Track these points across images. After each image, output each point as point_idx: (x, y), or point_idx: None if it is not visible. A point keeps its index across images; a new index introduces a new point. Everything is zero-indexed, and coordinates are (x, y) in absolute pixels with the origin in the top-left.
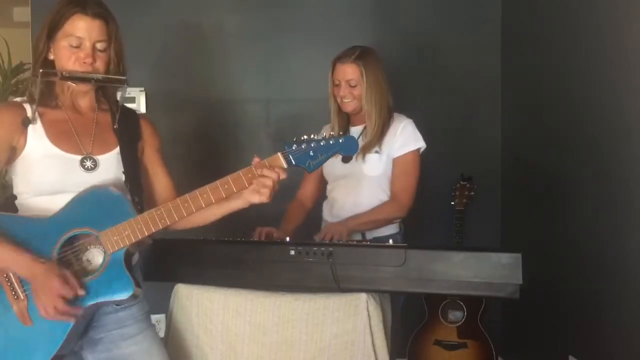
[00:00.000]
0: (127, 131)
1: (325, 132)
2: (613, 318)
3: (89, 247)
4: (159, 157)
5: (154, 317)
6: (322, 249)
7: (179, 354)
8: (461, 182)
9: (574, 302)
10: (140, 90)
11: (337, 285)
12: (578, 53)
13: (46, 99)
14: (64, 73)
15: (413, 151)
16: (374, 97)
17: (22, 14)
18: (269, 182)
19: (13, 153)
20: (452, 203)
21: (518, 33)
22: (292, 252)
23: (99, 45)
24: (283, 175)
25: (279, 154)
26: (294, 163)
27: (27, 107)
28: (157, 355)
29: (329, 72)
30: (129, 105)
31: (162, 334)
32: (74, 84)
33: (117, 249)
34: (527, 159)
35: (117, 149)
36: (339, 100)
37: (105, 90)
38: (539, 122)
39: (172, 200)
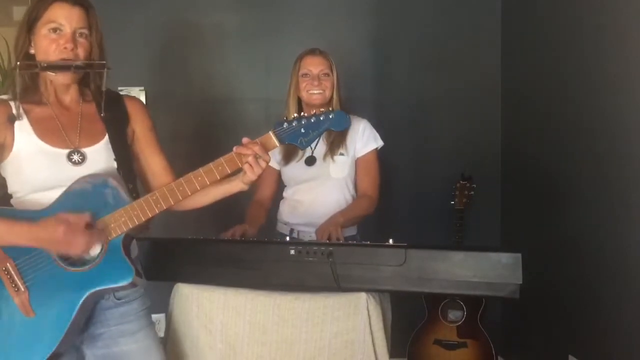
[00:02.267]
0: (114, 117)
1: None
2: (613, 318)
3: None
4: (151, 136)
5: (154, 317)
6: (322, 248)
7: (179, 354)
8: (461, 182)
9: (574, 301)
10: (140, 90)
11: (337, 284)
12: (578, 53)
13: (30, 95)
14: (42, 63)
15: (374, 150)
16: (339, 92)
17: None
18: (261, 160)
19: (2, 151)
20: (452, 202)
21: (518, 33)
22: (292, 252)
23: (79, 32)
24: (267, 158)
25: (271, 132)
26: (286, 141)
27: (12, 104)
28: (155, 356)
29: (294, 67)
30: None
31: (162, 334)
32: (54, 74)
33: (114, 236)
34: (527, 159)
35: (106, 138)
36: (305, 94)
37: (87, 80)
38: (539, 122)
39: (169, 180)
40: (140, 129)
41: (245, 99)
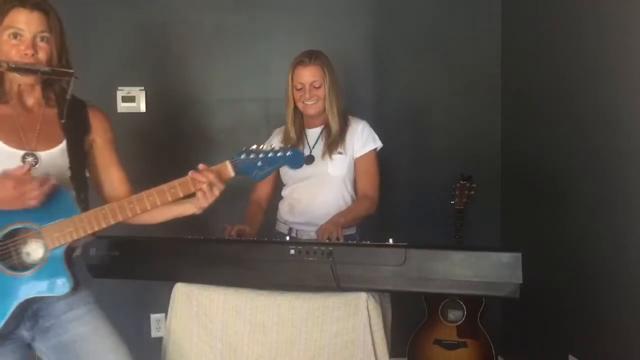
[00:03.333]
0: (74, 124)
1: (276, 135)
2: (613, 317)
3: (29, 241)
4: (110, 149)
5: (154, 317)
6: (322, 248)
7: (179, 353)
8: (461, 182)
9: (574, 301)
10: (140, 90)
11: (337, 284)
12: (578, 53)
13: None
14: (10, 64)
15: (373, 150)
16: (334, 97)
17: None
18: (215, 189)
19: None
20: (452, 202)
21: (518, 33)
22: (292, 252)
23: (39, 37)
24: (221, 187)
25: (227, 162)
26: (241, 172)
27: None
28: (106, 335)
29: (289, 77)
30: (126, 104)
31: (162, 334)
32: (19, 76)
33: (57, 245)
34: (527, 159)
35: (63, 144)
36: (300, 104)
37: (51, 84)
38: (539, 121)
39: (124, 191)
40: (99, 140)
41: (245, 99)
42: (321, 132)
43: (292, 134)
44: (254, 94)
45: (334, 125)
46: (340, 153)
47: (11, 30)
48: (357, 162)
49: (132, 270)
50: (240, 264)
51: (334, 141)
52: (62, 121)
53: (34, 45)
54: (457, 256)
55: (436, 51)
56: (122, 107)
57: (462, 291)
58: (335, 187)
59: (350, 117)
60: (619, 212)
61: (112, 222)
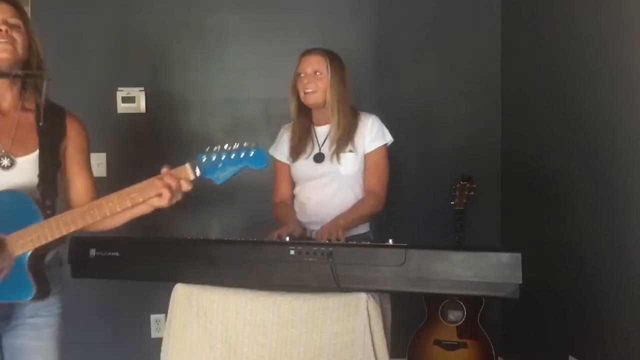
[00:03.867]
0: (51, 130)
1: (285, 131)
2: (613, 318)
3: None
4: (80, 158)
5: (154, 317)
6: (322, 248)
7: (179, 354)
8: (461, 182)
9: (574, 301)
10: (140, 90)
11: (337, 284)
12: (578, 53)
13: None
14: None
15: (382, 146)
16: (336, 92)
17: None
18: (170, 191)
19: None
20: (452, 203)
21: (518, 33)
22: (292, 252)
23: (11, 21)
24: (187, 187)
25: (187, 164)
26: (203, 174)
27: None
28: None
29: (294, 68)
30: (127, 105)
31: (162, 334)
32: None
33: (21, 252)
34: (527, 159)
35: (38, 151)
36: (301, 94)
37: (25, 88)
38: (538, 122)
39: (89, 200)
40: (72, 148)
41: (245, 99)
42: (330, 130)
43: (298, 130)
44: (254, 94)
45: (335, 124)
46: (351, 151)
47: None
48: (366, 158)
49: (132, 271)
50: (240, 265)
51: (340, 139)
52: (40, 125)
53: (5, 24)
54: (457, 256)
55: (436, 51)
56: (122, 107)
57: (462, 291)
58: (347, 185)
59: (360, 112)
60: (619, 212)
61: (73, 228)
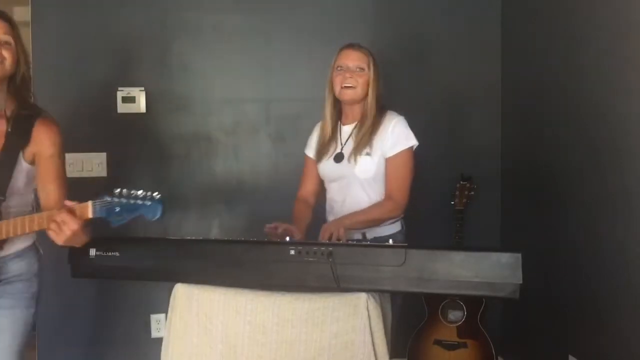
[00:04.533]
0: (15, 136)
1: (316, 131)
2: (613, 318)
3: None
4: (47, 164)
5: (154, 317)
6: (322, 248)
7: (179, 354)
8: (461, 182)
9: (573, 301)
10: (140, 90)
11: (337, 284)
12: (577, 53)
13: None
14: None
15: (405, 150)
16: (375, 88)
17: (23, 13)
18: (65, 227)
19: None
20: (452, 203)
21: (518, 33)
22: (292, 252)
23: (3, 38)
24: (73, 226)
25: (90, 202)
26: (100, 214)
27: None
28: (7, 338)
29: (332, 62)
30: (127, 104)
31: (162, 334)
32: None
33: None
34: (527, 159)
35: None
36: (337, 88)
37: (9, 91)
38: (538, 122)
39: (52, 208)
40: (38, 153)
41: (245, 99)
42: (353, 129)
43: (327, 129)
44: (254, 94)
45: (368, 120)
46: (368, 154)
47: None
48: (387, 162)
49: (132, 271)
50: (240, 265)
51: (361, 142)
52: (8, 130)
53: None
54: (457, 256)
55: (436, 51)
56: (122, 107)
57: (462, 291)
58: (364, 188)
59: (387, 112)
60: (619, 212)
61: None
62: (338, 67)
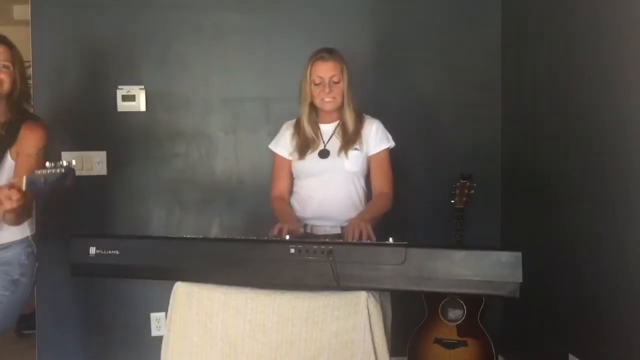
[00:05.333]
0: (6, 138)
1: (287, 129)
2: (613, 317)
3: None
4: (23, 160)
5: (154, 316)
6: (322, 247)
7: (179, 353)
8: (461, 181)
9: (574, 300)
10: (140, 89)
11: (337, 283)
12: (577, 53)
13: None
14: None
15: (386, 149)
16: (350, 93)
17: (22, 12)
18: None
19: None
20: (452, 201)
21: (518, 33)
22: (292, 251)
23: (3, 64)
24: (15, 196)
25: (25, 176)
26: (29, 187)
27: None
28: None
29: (306, 72)
30: (127, 103)
31: (162, 332)
32: None
33: None
34: (527, 158)
35: None
36: (318, 100)
37: (7, 104)
38: (538, 121)
39: None
40: (20, 151)
41: (245, 98)
42: (335, 128)
43: (308, 131)
44: (253, 93)
45: (350, 122)
46: (357, 149)
47: None
48: (371, 160)
49: (132, 270)
50: (240, 263)
51: (351, 138)
52: (2, 133)
53: None
54: (457, 255)
55: (436, 51)
56: (122, 106)
57: (462, 290)
58: (349, 181)
59: (364, 115)
60: (618, 212)
61: None
62: (314, 80)
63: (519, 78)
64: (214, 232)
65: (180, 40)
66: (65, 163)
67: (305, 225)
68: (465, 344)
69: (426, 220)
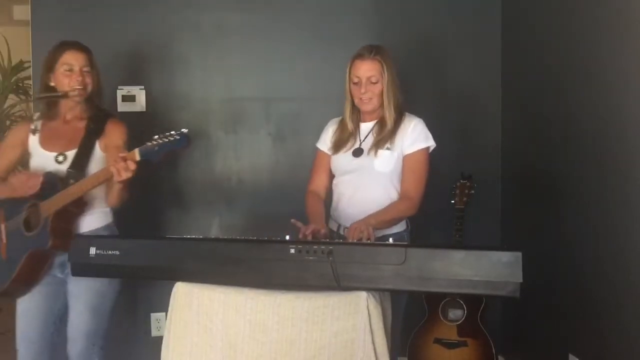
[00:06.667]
0: (93, 131)
1: (331, 125)
2: (613, 317)
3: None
4: (113, 152)
5: (154, 316)
6: (323, 247)
7: (179, 353)
8: (461, 181)
9: (574, 300)
10: (141, 89)
11: (337, 283)
12: (577, 53)
13: (48, 114)
14: (37, 95)
15: (423, 149)
16: (391, 93)
17: (22, 12)
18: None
19: (24, 152)
20: (452, 201)
21: (518, 33)
22: (293, 251)
23: (85, 69)
24: (132, 167)
25: (136, 149)
26: (144, 156)
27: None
28: (83, 302)
29: (347, 70)
30: (127, 103)
31: (162, 333)
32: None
33: (47, 214)
34: (527, 158)
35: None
36: (357, 100)
37: (86, 101)
38: (538, 121)
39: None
40: (109, 144)
41: (245, 97)
42: (373, 126)
43: (350, 128)
44: (254, 92)
45: (388, 121)
46: (388, 149)
47: (65, 66)
48: (404, 160)
49: (132, 270)
50: (240, 263)
51: (383, 137)
52: (90, 128)
53: (81, 74)
54: (457, 255)
55: (436, 51)
56: (122, 106)
57: (462, 290)
58: (379, 183)
59: (406, 113)
60: (618, 212)
61: (70, 195)
62: (353, 79)
63: (519, 78)
64: (214, 232)
65: (180, 40)
66: (177, 132)
67: (338, 227)
68: (465, 344)
69: (426, 220)
